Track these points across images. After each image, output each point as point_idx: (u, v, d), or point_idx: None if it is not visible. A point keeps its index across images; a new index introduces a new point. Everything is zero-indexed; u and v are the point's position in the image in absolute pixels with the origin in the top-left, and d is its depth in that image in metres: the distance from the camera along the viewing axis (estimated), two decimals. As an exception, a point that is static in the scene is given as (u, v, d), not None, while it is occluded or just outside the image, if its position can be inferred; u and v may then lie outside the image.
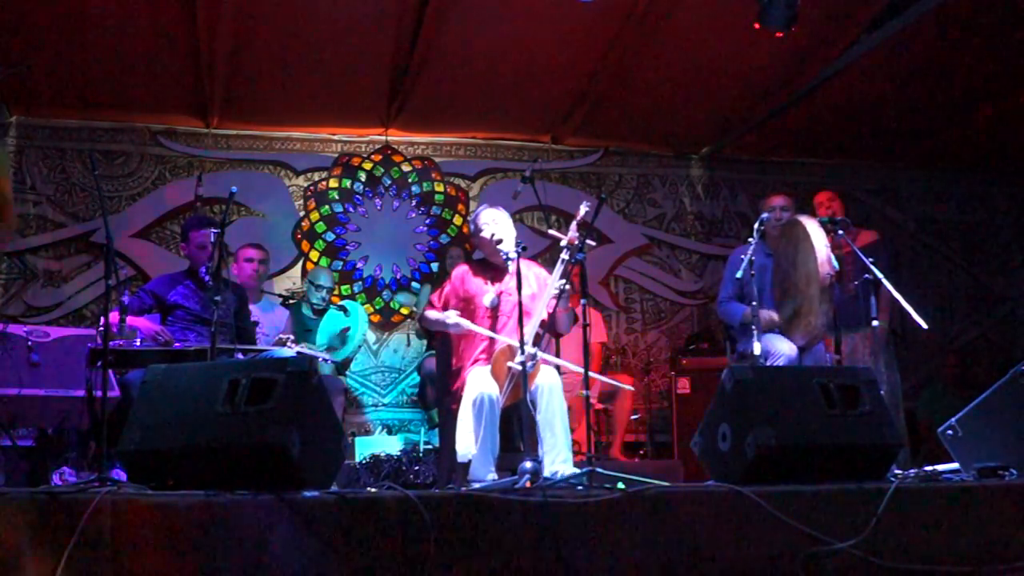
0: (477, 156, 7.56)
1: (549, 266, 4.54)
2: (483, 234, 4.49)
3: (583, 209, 4.35)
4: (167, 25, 5.61)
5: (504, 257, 4.22)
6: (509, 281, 4.42)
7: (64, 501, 2.32)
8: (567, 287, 4.30)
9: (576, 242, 4.30)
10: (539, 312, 4.31)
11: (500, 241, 4.39)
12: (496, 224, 4.46)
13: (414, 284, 7.17)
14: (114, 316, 4.15)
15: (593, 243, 4.17)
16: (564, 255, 4.32)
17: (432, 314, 4.50)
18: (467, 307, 4.47)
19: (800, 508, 2.69)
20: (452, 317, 4.37)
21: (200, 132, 7.03)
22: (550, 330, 4.46)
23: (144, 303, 4.67)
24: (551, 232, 4.60)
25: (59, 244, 6.69)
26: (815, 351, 4.78)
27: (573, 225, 4.36)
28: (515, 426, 4.25)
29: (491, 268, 4.54)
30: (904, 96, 6.59)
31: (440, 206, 7.41)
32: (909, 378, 7.23)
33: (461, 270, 4.61)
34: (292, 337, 4.96)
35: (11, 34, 5.55)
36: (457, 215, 7.42)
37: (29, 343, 4.60)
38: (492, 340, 4.33)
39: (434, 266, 7.20)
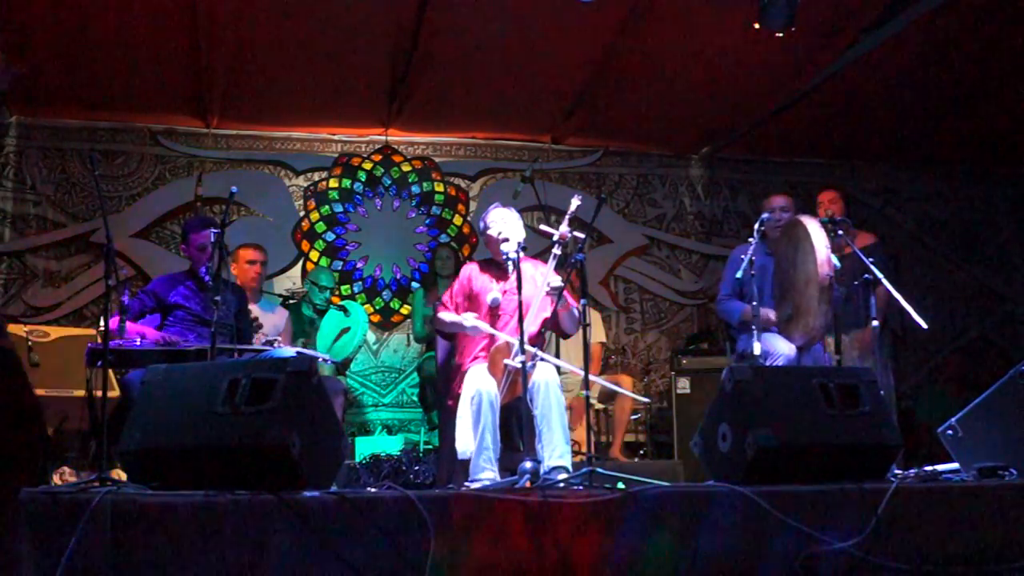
0: (477, 156, 7.56)
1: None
2: (490, 232, 4.49)
3: (574, 203, 4.33)
4: (167, 25, 5.60)
5: (504, 257, 4.22)
6: (513, 280, 4.42)
7: (64, 501, 2.32)
8: (562, 285, 4.29)
9: (568, 237, 4.30)
10: (543, 308, 4.30)
11: (504, 241, 4.38)
12: (503, 224, 4.45)
13: (413, 284, 7.17)
14: (115, 321, 4.16)
15: (582, 235, 4.15)
16: (556, 250, 4.31)
17: (447, 315, 4.46)
18: (472, 305, 4.46)
19: (800, 508, 2.69)
20: (470, 320, 4.32)
21: (200, 132, 7.03)
22: (554, 329, 4.45)
23: (145, 305, 4.66)
24: (543, 228, 4.59)
25: (59, 244, 6.68)
26: (814, 351, 4.78)
27: (565, 220, 4.35)
28: (514, 425, 4.24)
29: (497, 267, 4.53)
30: (904, 96, 6.59)
31: (440, 206, 7.41)
32: (909, 379, 7.25)
33: (469, 268, 4.60)
34: (280, 339, 4.93)
35: (11, 34, 5.55)
36: (457, 215, 7.42)
37: (29, 343, 4.61)
38: (492, 338, 4.32)
39: (434, 266, 7.20)
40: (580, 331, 3.87)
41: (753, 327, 4.46)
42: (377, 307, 7.15)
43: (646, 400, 5.24)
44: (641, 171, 7.78)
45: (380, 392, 7.08)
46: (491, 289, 4.43)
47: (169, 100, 6.63)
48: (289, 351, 4.50)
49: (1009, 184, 8.11)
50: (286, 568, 2.37)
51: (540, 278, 4.45)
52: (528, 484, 3.42)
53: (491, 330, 4.27)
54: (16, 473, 2.09)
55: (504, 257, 4.21)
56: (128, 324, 4.40)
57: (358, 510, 2.46)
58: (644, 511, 2.63)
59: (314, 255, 7.13)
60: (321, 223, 7.20)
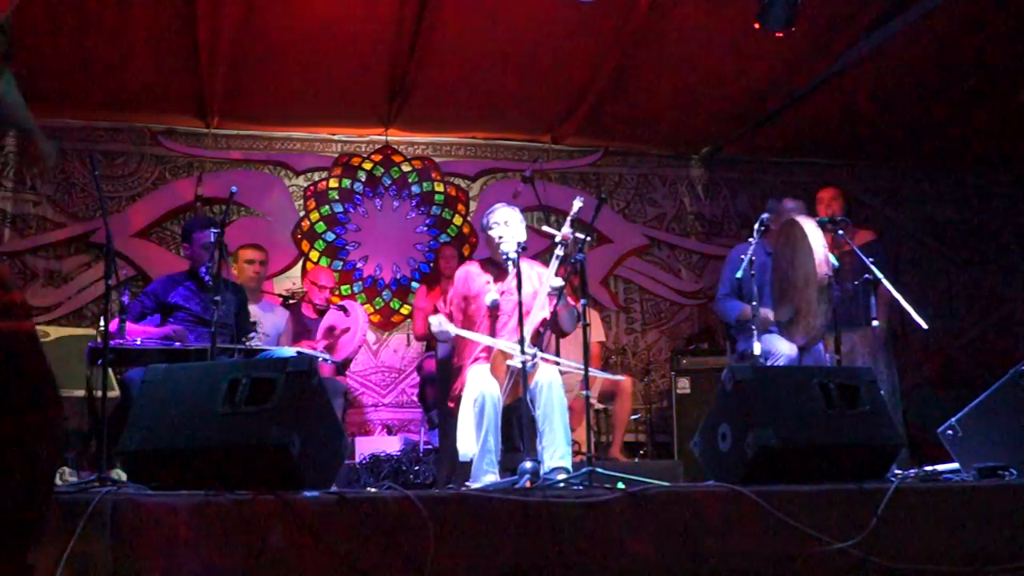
0: (477, 156, 7.56)
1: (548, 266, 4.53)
2: (490, 232, 4.48)
3: (576, 204, 4.34)
4: (167, 25, 5.61)
5: (504, 257, 4.22)
6: (511, 280, 4.42)
7: (64, 501, 2.32)
8: (563, 284, 4.29)
9: (570, 238, 4.30)
10: (542, 309, 4.30)
11: (502, 241, 4.38)
12: (505, 225, 4.44)
13: (413, 284, 7.17)
14: (115, 323, 4.16)
15: (583, 236, 4.15)
16: (559, 251, 4.31)
17: (431, 319, 4.47)
18: (470, 306, 4.46)
19: (800, 508, 2.69)
20: (435, 323, 4.31)
21: (200, 132, 7.03)
22: (553, 329, 4.45)
23: (145, 307, 4.67)
24: (545, 229, 4.59)
25: (59, 244, 6.68)
26: (815, 351, 4.78)
27: (567, 221, 4.35)
28: (515, 425, 4.24)
29: (495, 267, 4.53)
30: (904, 96, 6.59)
31: (440, 206, 7.41)
32: (907, 379, 7.24)
33: (464, 269, 4.60)
34: (254, 335, 4.90)
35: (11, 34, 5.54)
36: (457, 215, 7.42)
37: (29, 343, 4.59)
38: (492, 338, 4.32)
39: (434, 266, 7.20)
40: (579, 330, 3.87)
41: (752, 327, 4.46)
42: (377, 307, 7.15)
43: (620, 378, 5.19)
44: (641, 171, 7.78)
45: (380, 392, 7.08)
46: (488, 290, 4.43)
47: (169, 100, 6.62)
48: (289, 351, 4.50)
49: (1009, 184, 8.11)
50: (286, 568, 2.37)
51: (536, 278, 4.45)
52: (528, 484, 3.43)
53: (458, 331, 4.27)
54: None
55: (504, 257, 4.21)
56: (129, 326, 4.40)
57: (358, 510, 2.46)
58: (644, 511, 2.63)
59: (314, 255, 7.13)
60: (321, 223, 7.20)
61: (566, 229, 4.33)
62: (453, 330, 4.29)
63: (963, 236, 8.08)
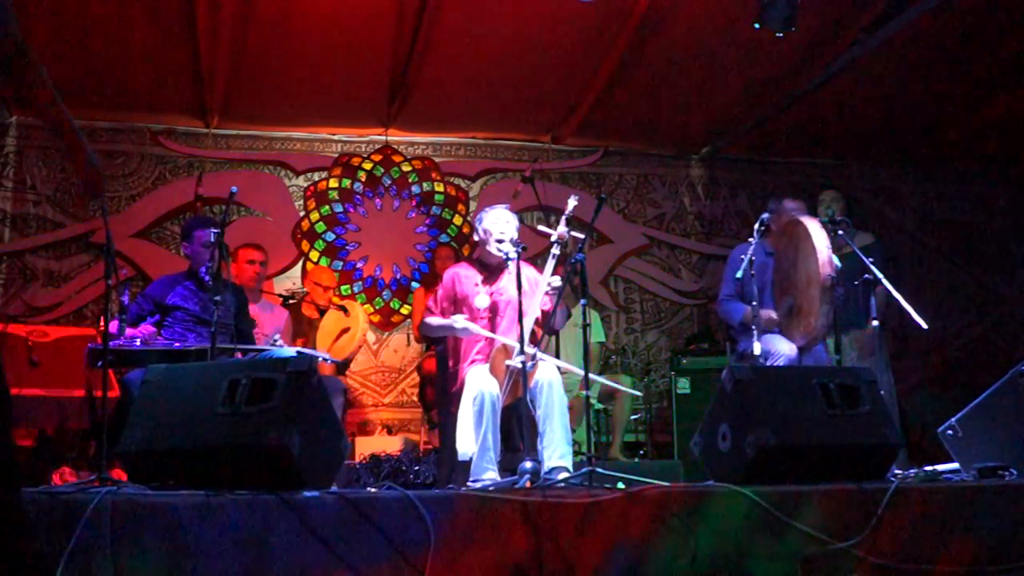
0: (477, 156, 7.56)
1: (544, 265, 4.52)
2: (487, 227, 4.47)
3: (571, 203, 4.33)
4: (167, 25, 5.61)
5: (504, 257, 4.21)
6: (501, 281, 4.42)
7: (64, 501, 2.32)
8: (563, 284, 4.29)
9: (566, 237, 4.30)
10: (532, 311, 4.30)
11: (500, 242, 4.38)
12: (504, 224, 4.44)
13: (413, 284, 7.18)
14: (114, 325, 4.17)
15: (582, 236, 4.15)
16: (555, 250, 4.31)
17: (434, 320, 4.44)
18: (459, 309, 4.45)
19: (800, 508, 2.69)
20: (460, 321, 4.31)
21: (200, 132, 7.03)
22: (545, 328, 4.45)
23: (143, 309, 4.66)
24: (541, 228, 4.58)
25: (59, 244, 6.68)
26: (815, 351, 4.77)
27: (563, 220, 4.35)
28: (514, 425, 4.24)
29: (485, 268, 4.52)
30: (904, 96, 6.60)
31: (440, 206, 7.41)
32: (905, 379, 7.24)
33: (451, 272, 4.58)
34: (280, 338, 4.92)
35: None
36: (457, 215, 7.42)
37: (29, 343, 4.61)
38: (490, 339, 4.31)
39: (434, 266, 7.20)
40: (579, 331, 3.86)
41: (753, 327, 4.45)
42: (377, 307, 7.15)
43: (638, 394, 5.26)
44: (641, 171, 7.78)
45: (380, 392, 7.08)
46: (478, 292, 4.43)
47: (169, 100, 6.63)
48: (289, 351, 4.50)
49: (1009, 184, 8.11)
50: (286, 568, 2.37)
51: (526, 280, 4.44)
52: (528, 484, 3.42)
53: (480, 331, 4.27)
54: None
55: (504, 257, 4.20)
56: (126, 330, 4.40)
57: (358, 510, 2.46)
58: (644, 511, 2.64)
59: (314, 255, 7.13)
60: (321, 223, 7.20)
61: (562, 228, 4.33)
62: (474, 328, 4.28)
63: (963, 236, 8.08)
